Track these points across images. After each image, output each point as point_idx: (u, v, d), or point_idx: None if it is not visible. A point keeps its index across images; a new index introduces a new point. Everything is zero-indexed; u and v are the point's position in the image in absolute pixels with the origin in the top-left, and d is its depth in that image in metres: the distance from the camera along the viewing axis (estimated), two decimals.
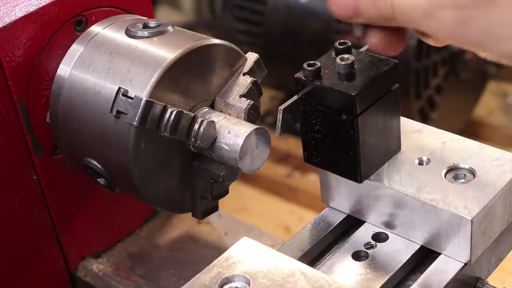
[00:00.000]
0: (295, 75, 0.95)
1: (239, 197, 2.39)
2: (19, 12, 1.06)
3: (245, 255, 0.89)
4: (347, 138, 0.93)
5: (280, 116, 0.95)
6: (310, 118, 0.96)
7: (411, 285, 0.94)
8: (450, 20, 0.78)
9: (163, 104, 0.97)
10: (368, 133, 0.94)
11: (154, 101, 0.97)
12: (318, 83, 0.93)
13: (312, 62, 0.94)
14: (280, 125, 0.95)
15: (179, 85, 1.01)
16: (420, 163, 0.99)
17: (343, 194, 1.02)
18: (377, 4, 0.83)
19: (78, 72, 1.06)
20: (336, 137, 0.94)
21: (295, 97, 0.96)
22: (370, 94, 0.93)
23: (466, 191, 0.94)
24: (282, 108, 0.95)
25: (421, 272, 0.95)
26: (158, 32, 1.05)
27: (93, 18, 1.12)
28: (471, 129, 2.54)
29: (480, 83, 2.52)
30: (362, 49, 0.99)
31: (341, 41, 0.96)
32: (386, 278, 0.93)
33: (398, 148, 1.01)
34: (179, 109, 0.97)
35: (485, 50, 0.81)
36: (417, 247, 0.97)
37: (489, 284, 0.98)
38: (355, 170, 0.96)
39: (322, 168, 1.01)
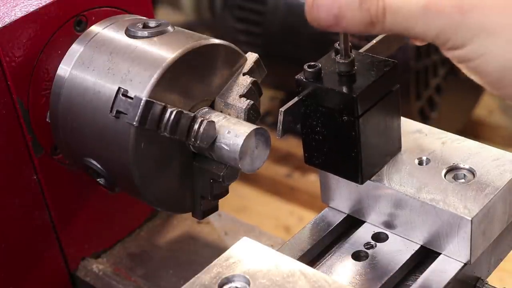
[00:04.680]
0: (296, 77, 0.95)
1: (239, 197, 2.39)
2: (19, 12, 1.06)
3: (245, 255, 0.89)
4: (348, 139, 0.93)
5: (281, 118, 0.94)
6: (310, 119, 0.95)
7: (411, 285, 0.94)
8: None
9: (163, 104, 0.97)
10: (369, 134, 0.94)
11: (154, 101, 0.96)
12: (319, 85, 0.93)
13: (313, 63, 0.94)
14: (281, 127, 0.95)
15: (179, 85, 1.01)
16: (420, 163, 0.99)
17: (343, 194, 1.02)
18: (365, 7, 0.78)
19: (78, 72, 1.06)
20: (337, 138, 0.94)
21: (296, 99, 0.95)
22: (371, 95, 0.93)
23: (466, 191, 0.94)
24: (283, 110, 0.94)
25: (421, 272, 0.95)
26: (158, 32, 1.05)
27: (93, 18, 1.12)
28: (471, 129, 2.53)
29: None
30: (362, 50, 0.99)
31: None
32: (386, 278, 0.93)
33: (398, 149, 1.01)
34: (179, 109, 0.97)
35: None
36: (417, 247, 0.97)
37: (489, 284, 0.98)
38: (357, 172, 0.96)
39: (322, 169, 1.01)
